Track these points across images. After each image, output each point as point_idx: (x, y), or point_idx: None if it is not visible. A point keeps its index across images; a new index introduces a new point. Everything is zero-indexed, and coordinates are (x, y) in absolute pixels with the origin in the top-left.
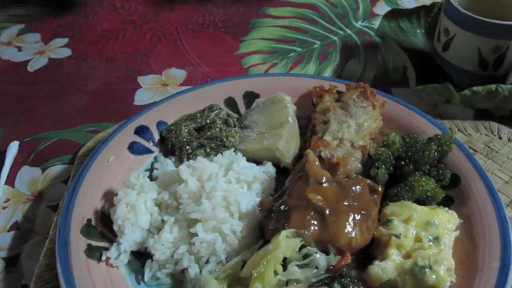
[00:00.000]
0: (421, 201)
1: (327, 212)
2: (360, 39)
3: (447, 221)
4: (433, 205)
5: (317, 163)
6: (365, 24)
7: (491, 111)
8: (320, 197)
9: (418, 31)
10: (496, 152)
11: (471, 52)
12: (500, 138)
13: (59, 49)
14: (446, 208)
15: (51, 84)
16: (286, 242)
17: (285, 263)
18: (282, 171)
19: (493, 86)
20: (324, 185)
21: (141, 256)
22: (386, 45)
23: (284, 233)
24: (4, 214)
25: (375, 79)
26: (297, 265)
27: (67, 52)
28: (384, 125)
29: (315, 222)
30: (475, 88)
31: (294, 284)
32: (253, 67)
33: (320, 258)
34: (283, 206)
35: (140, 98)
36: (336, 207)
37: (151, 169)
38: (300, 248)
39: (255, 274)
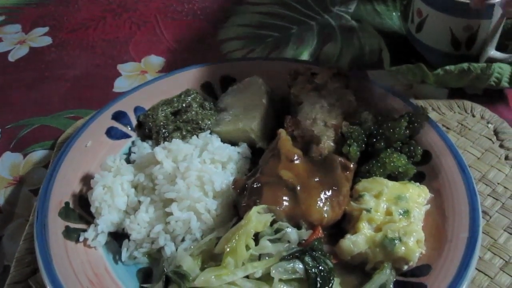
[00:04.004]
0: (394, 177)
1: (298, 188)
2: (337, 23)
3: (417, 195)
4: (405, 181)
5: (289, 141)
6: (342, 9)
7: (465, 90)
8: (291, 174)
9: (394, 14)
10: (469, 129)
11: (444, 32)
12: (473, 116)
13: (40, 37)
14: (418, 183)
15: (32, 73)
16: (257, 217)
17: (257, 238)
18: (258, 152)
19: (465, 65)
20: (296, 162)
21: (118, 237)
22: (362, 28)
23: (255, 208)
24: None
25: (351, 62)
26: (269, 240)
27: (47, 41)
28: (358, 105)
29: (287, 198)
30: (448, 67)
31: (266, 258)
32: (231, 53)
33: (291, 232)
34: (255, 183)
35: (120, 85)
36: (307, 183)
37: (128, 154)
38: (272, 223)
39: (228, 249)
